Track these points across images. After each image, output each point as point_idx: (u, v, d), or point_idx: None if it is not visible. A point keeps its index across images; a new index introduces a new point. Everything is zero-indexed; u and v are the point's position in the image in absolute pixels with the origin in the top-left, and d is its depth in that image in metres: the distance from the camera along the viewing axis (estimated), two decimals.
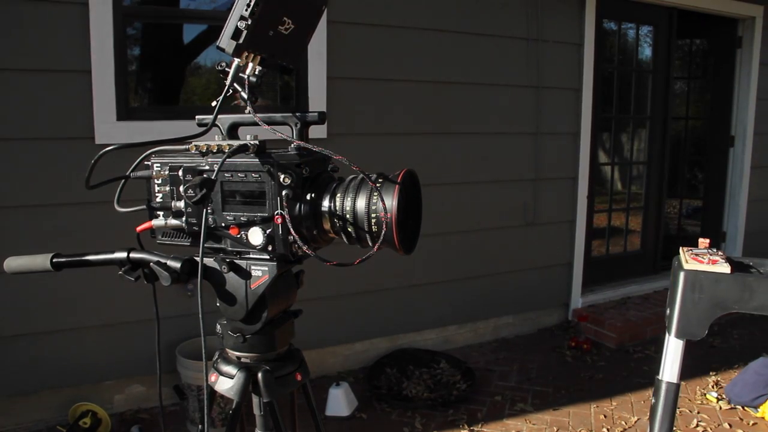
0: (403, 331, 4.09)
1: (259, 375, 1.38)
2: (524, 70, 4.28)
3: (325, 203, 1.39)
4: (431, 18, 3.90)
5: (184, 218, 1.30)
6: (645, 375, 3.99)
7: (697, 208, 6.53)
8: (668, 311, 1.10)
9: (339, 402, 3.39)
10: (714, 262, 1.12)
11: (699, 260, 1.13)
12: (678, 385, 1.12)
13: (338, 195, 1.41)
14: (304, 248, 1.29)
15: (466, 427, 3.30)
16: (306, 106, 3.59)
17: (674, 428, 3.27)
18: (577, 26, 4.52)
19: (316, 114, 1.42)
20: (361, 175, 1.36)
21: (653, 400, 1.15)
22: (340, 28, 3.59)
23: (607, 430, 3.33)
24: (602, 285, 5.10)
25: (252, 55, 1.20)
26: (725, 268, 1.09)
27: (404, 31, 3.83)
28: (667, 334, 1.14)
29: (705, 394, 3.77)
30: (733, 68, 5.89)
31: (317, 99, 3.60)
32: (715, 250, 1.18)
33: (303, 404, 1.52)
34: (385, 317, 3.96)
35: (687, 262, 1.12)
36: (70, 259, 1.33)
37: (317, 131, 3.50)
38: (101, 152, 1.22)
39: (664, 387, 1.14)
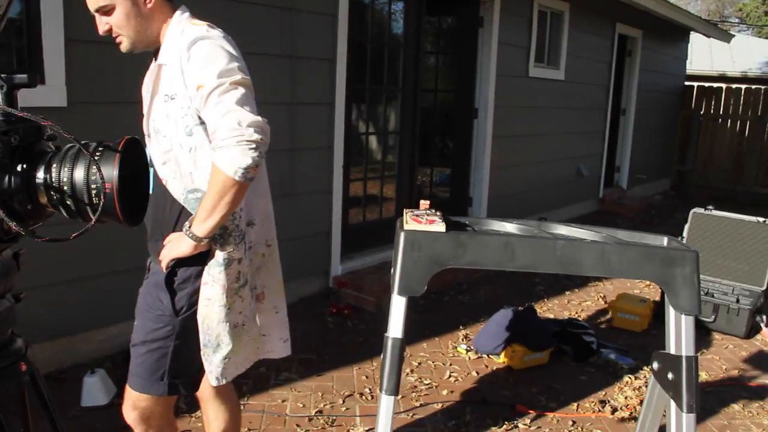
0: None
1: None
2: (278, 40, 4.25)
3: (40, 175, 1.28)
4: None
5: None
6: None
7: (447, 176, 6.99)
8: (392, 270, 1.15)
9: (95, 391, 3.17)
10: (432, 222, 1.19)
11: (418, 221, 1.19)
12: (402, 340, 1.18)
13: (54, 166, 1.30)
14: (12, 225, 1.17)
15: None
16: (41, 70, 3.26)
17: (430, 381, 3.48)
18: None
19: (25, 76, 1.29)
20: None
21: (382, 356, 1.21)
22: None
23: (369, 389, 3.46)
24: (361, 251, 5.25)
25: None
26: (441, 227, 1.17)
27: None
28: (391, 293, 1.20)
29: (456, 347, 4.06)
30: (476, 46, 6.35)
31: (55, 63, 3.27)
32: (433, 211, 1.25)
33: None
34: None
35: (407, 223, 1.19)
36: None
37: (55, 99, 3.22)
38: None
39: (390, 343, 1.20)
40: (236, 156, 1.68)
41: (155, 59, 1.95)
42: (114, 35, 1.88)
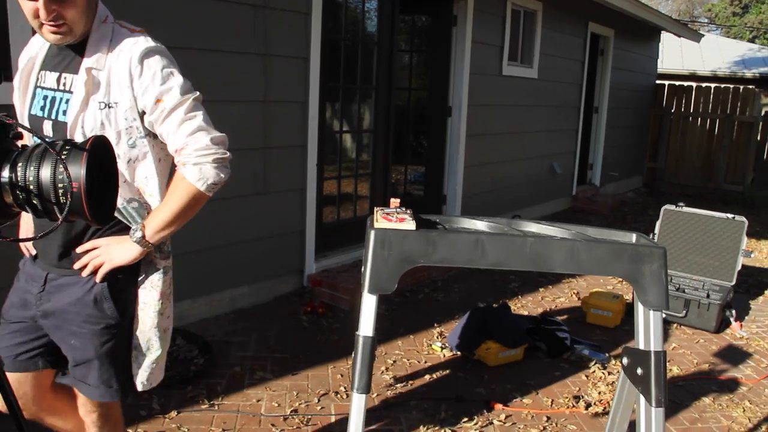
0: None
1: None
2: (251, 38, 4.22)
3: (5, 174, 1.26)
4: None
5: None
6: (378, 332, 4.21)
7: (421, 174, 7.01)
8: (362, 269, 1.16)
9: None
10: (402, 220, 1.19)
11: (388, 219, 1.20)
12: (373, 338, 1.18)
13: (20, 165, 1.29)
14: None
15: (206, 402, 3.24)
16: (8, 67, 3.21)
17: (405, 379, 3.48)
18: None
19: None
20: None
21: (353, 355, 1.21)
22: None
23: (345, 388, 3.46)
24: (335, 250, 5.23)
25: None
26: (411, 225, 1.17)
27: None
28: (362, 291, 1.20)
29: (431, 345, 4.07)
30: (450, 44, 6.36)
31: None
32: (403, 209, 1.26)
33: None
34: None
35: (378, 221, 1.19)
36: None
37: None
38: None
39: (361, 341, 1.20)
40: (211, 172, 1.76)
41: (76, 54, 1.80)
42: (57, 23, 1.70)
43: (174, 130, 1.77)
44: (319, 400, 3.32)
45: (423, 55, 7.02)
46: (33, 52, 1.90)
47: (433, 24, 6.59)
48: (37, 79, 1.86)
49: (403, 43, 6.74)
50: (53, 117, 1.81)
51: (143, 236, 1.79)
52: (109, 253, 1.81)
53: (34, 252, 1.94)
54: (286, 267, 4.80)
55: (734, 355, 4.28)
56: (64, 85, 1.80)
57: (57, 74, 1.82)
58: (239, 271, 4.43)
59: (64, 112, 1.78)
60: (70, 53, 1.80)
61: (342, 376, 3.60)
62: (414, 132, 7.21)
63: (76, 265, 1.82)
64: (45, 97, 1.83)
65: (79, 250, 1.82)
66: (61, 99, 1.80)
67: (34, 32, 3.21)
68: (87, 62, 1.76)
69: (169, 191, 1.80)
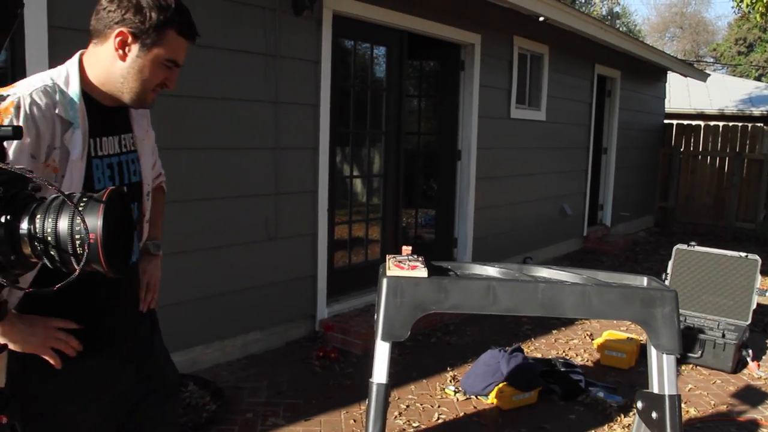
0: None
1: None
2: (262, 86, 4.30)
3: (24, 226, 1.28)
4: None
5: None
6: (390, 376, 4.18)
7: (432, 217, 7.03)
8: (375, 316, 1.16)
9: None
10: (414, 268, 1.21)
11: (401, 266, 1.21)
12: (387, 386, 1.18)
13: (38, 216, 1.31)
14: None
15: None
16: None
17: (418, 423, 3.45)
18: (315, 44, 4.65)
19: (9, 129, 1.30)
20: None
21: (367, 402, 1.21)
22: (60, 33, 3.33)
23: None
24: (346, 294, 5.24)
25: None
26: (423, 273, 1.19)
27: None
28: (375, 338, 1.21)
29: (444, 389, 4.04)
30: (458, 89, 6.45)
31: None
32: (415, 256, 1.27)
33: None
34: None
35: (390, 269, 1.21)
36: None
37: None
38: None
39: (374, 389, 1.20)
40: None
41: (122, 113, 1.75)
42: None
43: (157, 156, 2.01)
44: None
45: (432, 100, 7.10)
46: (50, 122, 1.54)
47: (441, 69, 6.68)
48: (90, 149, 1.62)
49: (411, 88, 6.83)
50: (125, 182, 1.71)
51: (159, 245, 1.94)
52: (156, 275, 1.93)
53: (77, 346, 1.60)
54: (297, 312, 4.80)
55: (753, 395, 4.22)
56: (125, 146, 1.74)
57: (117, 138, 1.71)
58: (251, 316, 4.44)
59: (135, 172, 1.75)
60: (118, 113, 1.72)
61: (355, 421, 3.57)
62: (424, 175, 7.25)
63: (144, 307, 1.87)
64: (110, 165, 1.68)
65: (146, 280, 1.89)
66: (126, 161, 1.73)
67: None
68: (140, 115, 1.82)
69: (159, 202, 2.02)
